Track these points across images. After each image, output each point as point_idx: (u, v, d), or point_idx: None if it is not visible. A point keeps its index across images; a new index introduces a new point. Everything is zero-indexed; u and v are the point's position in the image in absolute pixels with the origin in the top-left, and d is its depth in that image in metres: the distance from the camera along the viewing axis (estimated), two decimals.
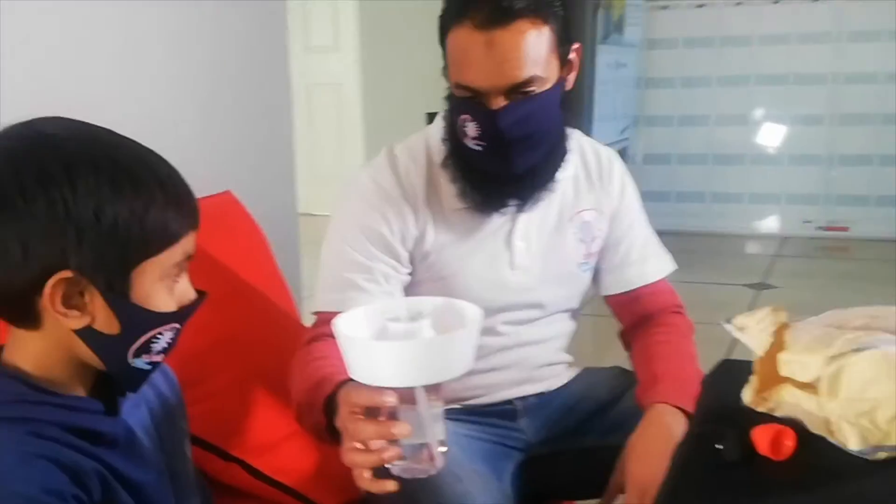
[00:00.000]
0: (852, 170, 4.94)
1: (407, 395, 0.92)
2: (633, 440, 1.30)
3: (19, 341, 0.88)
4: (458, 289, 1.39)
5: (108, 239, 0.81)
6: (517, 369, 1.50)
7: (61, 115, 0.87)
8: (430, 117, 4.72)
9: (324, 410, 1.12)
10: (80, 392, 0.90)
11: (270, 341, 1.55)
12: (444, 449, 0.96)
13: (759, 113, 5.08)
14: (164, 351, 0.90)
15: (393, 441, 0.95)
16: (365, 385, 0.94)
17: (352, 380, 0.97)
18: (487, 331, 1.43)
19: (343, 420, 1.01)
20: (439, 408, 0.95)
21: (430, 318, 0.95)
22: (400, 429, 0.93)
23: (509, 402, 1.51)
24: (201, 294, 0.92)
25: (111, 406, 0.92)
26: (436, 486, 1.23)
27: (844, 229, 4.98)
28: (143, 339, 0.87)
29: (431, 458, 0.95)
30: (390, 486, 0.97)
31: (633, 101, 5.15)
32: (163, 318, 0.88)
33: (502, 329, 1.46)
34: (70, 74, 1.66)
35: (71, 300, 0.83)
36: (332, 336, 1.20)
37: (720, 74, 5.10)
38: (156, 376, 1.02)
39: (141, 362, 0.89)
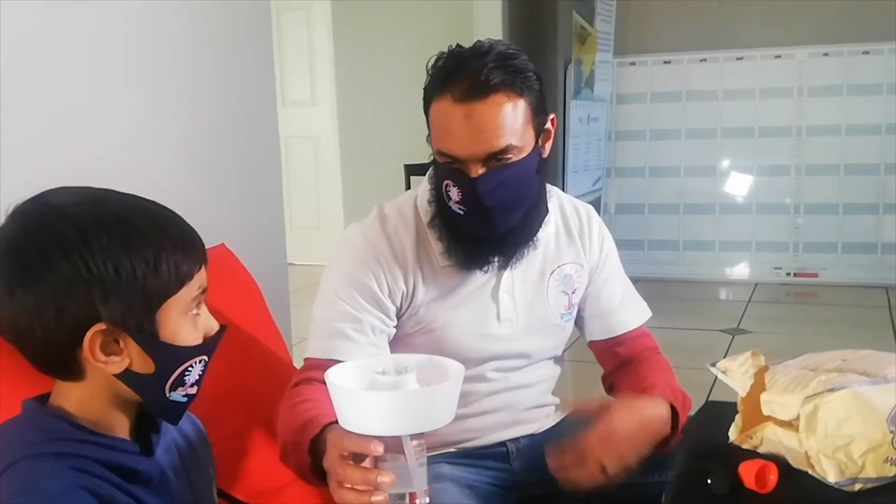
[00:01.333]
0: (819, 218, 5.08)
1: (392, 444, 0.97)
2: (617, 399, 1.40)
3: (64, 390, 0.95)
4: (448, 341, 1.46)
5: (131, 289, 0.89)
6: (507, 412, 1.56)
7: (64, 186, 0.95)
8: (408, 168, 4.77)
9: (309, 451, 1.18)
10: (120, 434, 0.97)
11: (271, 389, 1.59)
12: (427, 500, 1.00)
13: (726, 163, 5.22)
14: (197, 383, 0.97)
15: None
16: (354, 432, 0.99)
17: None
18: (477, 377, 1.50)
19: (331, 462, 1.05)
20: (423, 457, 0.99)
21: (415, 371, 1.01)
22: (385, 478, 0.97)
23: (502, 444, 1.56)
24: (223, 327, 1.00)
25: (146, 447, 0.98)
26: None
27: (814, 275, 5.11)
28: (176, 373, 0.94)
29: None
30: None
31: (605, 153, 5.28)
32: (191, 352, 0.95)
33: (491, 375, 1.52)
34: (73, 140, 1.72)
35: (108, 348, 0.91)
36: (319, 381, 1.26)
37: (688, 127, 5.24)
38: (185, 425, 1.08)
39: (178, 395, 0.96)
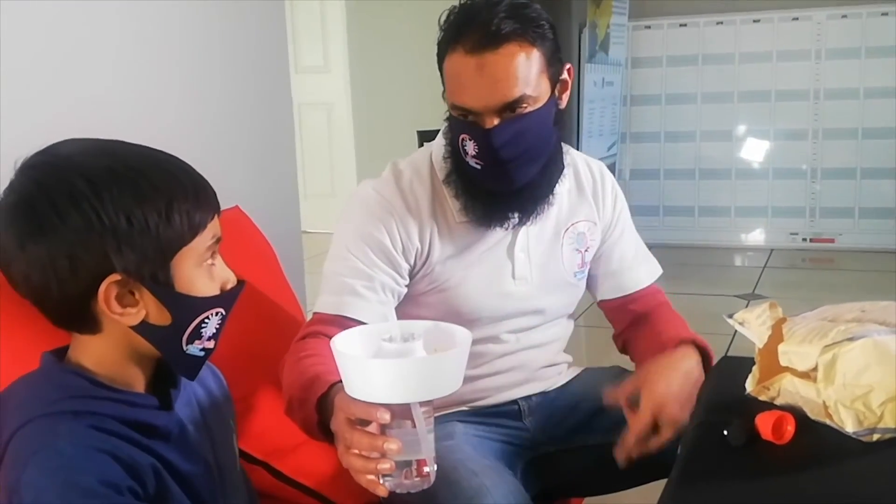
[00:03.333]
0: (836, 183, 5.04)
1: (400, 411, 0.96)
2: (650, 364, 1.39)
3: (81, 344, 0.95)
4: (462, 299, 1.46)
5: (144, 238, 0.88)
6: (520, 372, 1.56)
7: (73, 137, 0.94)
8: (422, 135, 4.73)
9: (316, 409, 1.18)
10: (138, 388, 0.97)
11: (285, 350, 1.60)
12: (434, 467, 1.00)
13: (742, 128, 5.18)
14: (214, 336, 0.96)
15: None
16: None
17: None
18: (491, 338, 1.50)
19: (339, 426, 1.04)
20: (431, 423, 0.98)
21: (422, 338, 0.99)
22: (392, 445, 0.96)
23: (514, 402, 1.56)
24: (241, 281, 0.98)
25: (165, 401, 0.98)
26: (453, 480, 1.29)
27: (830, 241, 5.07)
28: (193, 324, 0.93)
29: (425, 474, 0.99)
30: (381, 490, 0.99)
31: (620, 118, 5.24)
32: (208, 302, 0.94)
33: (505, 336, 1.52)
34: (87, 98, 1.72)
35: (124, 300, 0.90)
36: (326, 335, 1.26)
37: (704, 91, 5.19)
38: (206, 375, 1.08)
39: (195, 349, 0.95)
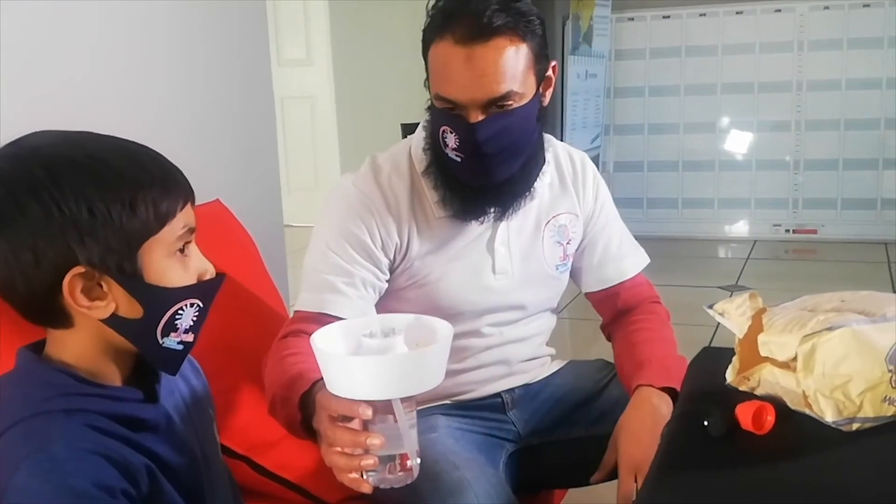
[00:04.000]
0: (819, 174, 5.06)
1: (382, 407, 0.96)
2: (623, 421, 1.37)
3: (58, 340, 0.93)
4: (442, 294, 1.45)
5: (107, 229, 0.86)
6: (502, 366, 1.55)
7: (44, 129, 0.92)
8: (405, 128, 4.74)
9: (299, 407, 1.17)
10: (119, 382, 0.95)
11: (267, 344, 1.58)
12: (418, 461, 0.99)
13: (726, 120, 5.19)
14: (192, 329, 0.94)
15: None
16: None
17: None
18: (473, 332, 1.49)
19: (321, 424, 1.04)
20: (413, 418, 0.98)
21: (403, 333, 0.99)
22: (373, 441, 0.96)
23: (497, 395, 1.56)
24: (220, 274, 0.96)
25: (150, 393, 0.97)
26: (434, 473, 1.29)
27: (813, 232, 5.10)
28: (166, 316, 0.91)
29: (408, 468, 0.99)
30: (366, 487, 0.99)
31: (604, 110, 5.25)
32: (180, 293, 0.92)
33: (487, 331, 1.51)
34: (65, 92, 1.70)
35: (92, 292, 0.88)
36: (308, 333, 1.22)
37: (687, 83, 5.20)
38: (185, 367, 1.06)
39: (171, 342, 0.93)
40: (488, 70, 1.28)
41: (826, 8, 4.91)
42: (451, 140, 1.34)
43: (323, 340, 0.98)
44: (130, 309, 0.90)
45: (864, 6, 4.84)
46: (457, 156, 1.36)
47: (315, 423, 1.09)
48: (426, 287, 1.45)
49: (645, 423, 1.33)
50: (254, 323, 1.61)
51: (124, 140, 0.93)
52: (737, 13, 5.06)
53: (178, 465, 0.96)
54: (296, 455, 1.46)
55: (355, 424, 0.99)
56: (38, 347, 0.94)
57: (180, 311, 0.92)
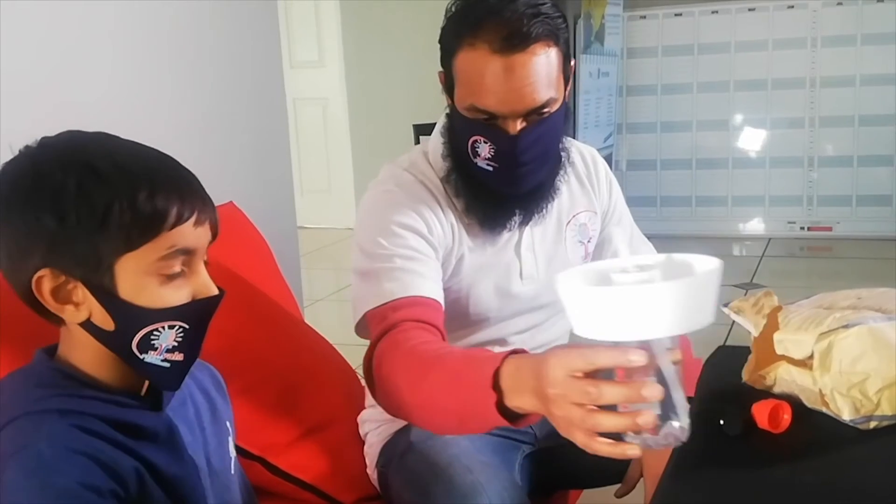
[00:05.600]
0: (833, 171, 5.03)
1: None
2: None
3: (68, 340, 0.93)
4: (472, 301, 1.42)
5: (76, 239, 0.85)
6: None
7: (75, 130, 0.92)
8: (417, 129, 4.71)
9: (493, 386, 0.99)
10: (130, 387, 0.94)
11: (281, 345, 1.60)
12: (688, 421, 0.83)
13: (739, 117, 5.16)
14: (178, 349, 0.90)
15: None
16: (598, 343, 0.83)
17: (566, 346, 0.90)
18: (498, 341, 1.47)
19: (565, 386, 0.87)
20: (680, 369, 0.83)
21: (658, 270, 0.83)
22: (651, 390, 0.81)
23: None
24: (218, 295, 0.92)
25: (157, 402, 0.96)
26: (448, 476, 1.28)
27: (828, 229, 5.06)
28: (139, 335, 0.88)
29: (676, 430, 0.83)
30: (634, 450, 0.84)
31: (616, 108, 5.23)
32: (156, 315, 0.88)
33: (512, 340, 1.49)
34: (80, 97, 1.71)
35: (59, 295, 0.87)
36: (408, 320, 1.18)
37: (700, 81, 5.18)
38: (203, 377, 1.06)
39: (154, 359, 0.89)
40: (529, 80, 1.23)
41: (839, 3, 4.87)
42: (485, 150, 1.30)
43: (575, 281, 0.84)
44: (103, 319, 0.88)
45: (878, 1, 4.81)
46: (489, 165, 1.31)
47: (549, 388, 0.90)
48: (457, 293, 1.41)
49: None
50: (267, 324, 1.62)
51: (137, 146, 0.91)
52: (749, 10, 5.03)
53: (175, 475, 0.94)
54: (310, 456, 1.46)
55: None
56: (54, 348, 0.95)
57: (156, 332, 0.88)
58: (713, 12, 5.09)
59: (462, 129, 1.32)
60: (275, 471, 1.42)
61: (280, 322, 1.65)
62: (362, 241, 1.35)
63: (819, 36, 4.93)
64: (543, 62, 1.24)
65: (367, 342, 1.29)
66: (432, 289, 1.28)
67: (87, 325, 0.88)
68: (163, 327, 0.88)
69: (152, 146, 0.93)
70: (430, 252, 1.33)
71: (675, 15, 5.17)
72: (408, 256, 1.30)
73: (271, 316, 1.64)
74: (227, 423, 1.11)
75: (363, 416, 1.56)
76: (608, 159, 5.00)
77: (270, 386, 1.50)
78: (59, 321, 0.91)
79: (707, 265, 0.83)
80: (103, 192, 0.85)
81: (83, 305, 0.88)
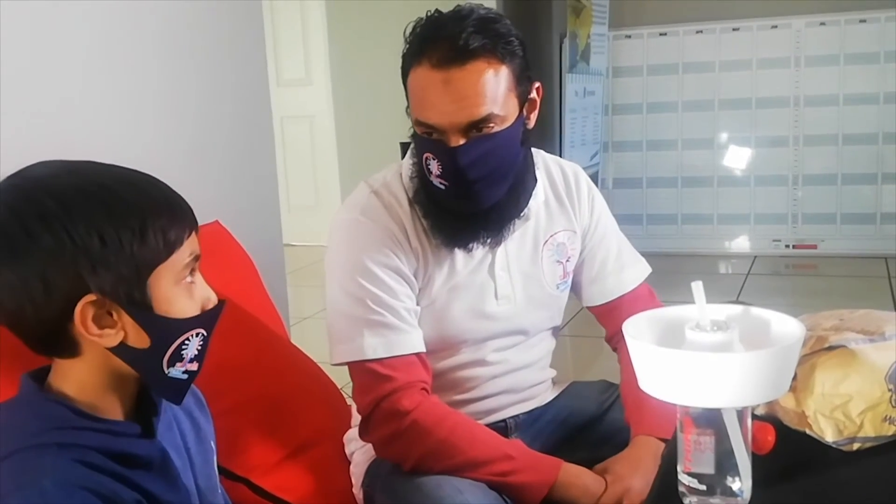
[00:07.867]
0: (817, 189, 5.06)
1: (713, 420, 0.80)
2: (623, 456, 1.38)
3: (62, 369, 0.93)
4: (447, 323, 1.43)
5: (119, 258, 0.86)
6: (509, 394, 1.53)
7: (42, 160, 0.92)
8: (404, 147, 4.76)
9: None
10: (120, 416, 0.94)
11: (267, 365, 1.59)
12: (749, 483, 0.85)
13: (724, 136, 5.20)
14: (196, 358, 0.94)
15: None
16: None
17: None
18: (478, 362, 1.48)
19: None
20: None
21: (735, 328, 0.81)
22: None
23: (502, 420, 1.54)
24: (222, 301, 0.96)
25: (147, 428, 0.96)
26: (438, 497, 1.28)
27: (813, 247, 5.09)
28: (173, 346, 0.91)
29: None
30: None
31: (602, 127, 5.26)
32: (187, 324, 0.92)
33: (491, 358, 1.49)
34: (62, 113, 1.70)
35: (101, 321, 0.88)
36: (413, 382, 1.32)
37: (685, 99, 5.21)
38: (188, 398, 1.06)
39: (176, 372, 0.93)
40: (467, 93, 1.26)
41: (822, 24, 4.93)
42: (434, 167, 1.32)
43: (641, 335, 0.82)
44: (138, 338, 0.90)
45: (861, 21, 4.86)
46: (441, 183, 1.33)
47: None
48: (431, 315, 1.43)
49: (643, 465, 1.35)
50: (251, 343, 1.61)
51: (126, 168, 0.93)
52: (733, 30, 5.07)
53: (170, 502, 0.95)
54: (295, 477, 1.46)
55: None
56: (41, 374, 0.94)
57: (186, 342, 0.92)
58: (698, 32, 5.14)
59: (418, 146, 1.37)
60: (259, 492, 1.41)
61: (265, 341, 1.64)
62: (341, 277, 1.39)
63: (802, 55, 4.98)
64: (485, 78, 1.27)
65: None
66: (416, 342, 1.37)
67: (120, 348, 0.89)
68: (191, 336, 0.93)
69: (138, 164, 0.95)
70: (407, 291, 1.38)
71: (661, 34, 5.21)
72: (388, 305, 1.36)
73: (256, 335, 1.63)
74: (212, 443, 1.11)
75: (349, 436, 1.56)
76: (594, 177, 5.02)
77: (255, 406, 1.49)
78: (73, 354, 0.90)
79: (788, 330, 0.81)
80: (134, 209, 0.88)
81: (119, 328, 0.89)
